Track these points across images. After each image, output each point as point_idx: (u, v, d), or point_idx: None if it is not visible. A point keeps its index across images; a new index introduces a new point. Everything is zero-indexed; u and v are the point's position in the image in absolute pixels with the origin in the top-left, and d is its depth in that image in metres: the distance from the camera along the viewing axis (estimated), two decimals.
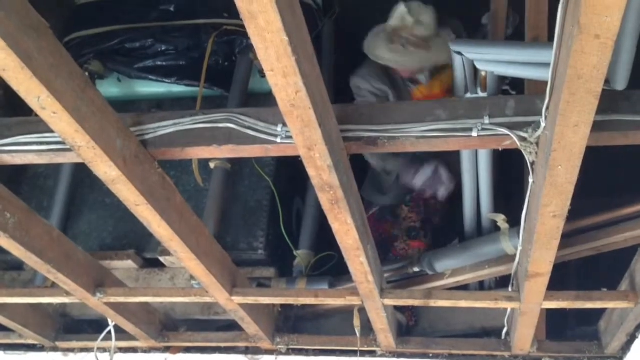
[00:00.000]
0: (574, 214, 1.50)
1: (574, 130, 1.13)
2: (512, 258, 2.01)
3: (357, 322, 2.38)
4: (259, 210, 2.76)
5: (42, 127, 1.52)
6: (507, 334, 2.38)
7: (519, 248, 1.79)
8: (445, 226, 2.74)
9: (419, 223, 2.69)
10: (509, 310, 2.26)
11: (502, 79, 1.66)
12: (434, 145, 1.46)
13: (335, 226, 1.62)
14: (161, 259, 2.65)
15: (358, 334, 2.39)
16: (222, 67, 2.90)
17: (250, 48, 2.76)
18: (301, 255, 2.62)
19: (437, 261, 2.31)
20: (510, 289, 2.03)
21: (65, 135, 1.31)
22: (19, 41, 1.09)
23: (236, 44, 2.91)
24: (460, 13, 2.57)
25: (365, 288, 1.98)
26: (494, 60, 1.39)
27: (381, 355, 2.55)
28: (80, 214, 2.85)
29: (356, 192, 1.62)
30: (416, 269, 2.40)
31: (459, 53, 1.44)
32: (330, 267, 2.55)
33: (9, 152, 1.57)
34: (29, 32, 1.12)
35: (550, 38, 1.20)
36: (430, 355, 2.53)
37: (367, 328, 2.42)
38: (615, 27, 0.91)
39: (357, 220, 1.63)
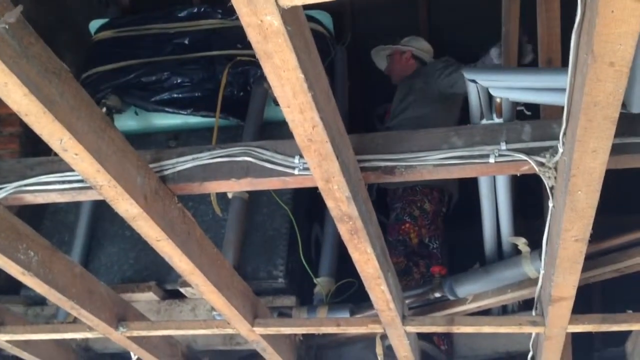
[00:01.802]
0: (596, 234, 1.49)
1: (593, 156, 1.12)
2: (534, 281, 1.99)
3: (379, 349, 2.36)
4: (278, 239, 2.76)
5: (63, 166, 1.54)
6: (533, 358, 2.34)
7: (541, 272, 1.77)
8: (463, 249, 2.75)
9: (405, 261, 2.79)
10: (533, 334, 2.23)
11: (517, 103, 1.66)
12: (451, 172, 1.47)
13: (355, 256, 1.62)
14: (182, 290, 2.66)
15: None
16: (237, 97, 2.93)
17: (264, 78, 2.78)
18: (321, 283, 2.62)
19: (459, 286, 2.29)
20: (534, 313, 2.01)
21: (87, 175, 1.33)
22: (41, 87, 1.12)
23: (250, 74, 2.94)
24: None
25: (387, 316, 1.97)
26: (508, 86, 1.40)
27: None
28: (101, 247, 2.87)
29: (375, 221, 1.63)
30: (437, 295, 2.39)
31: (473, 80, 1.45)
32: (352, 293, 2.55)
33: (32, 191, 1.59)
34: (51, 78, 1.15)
35: (564, 60, 1.20)
36: None
37: (391, 355, 2.39)
38: (630, 54, 0.92)
39: (376, 249, 1.63)
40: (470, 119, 1.62)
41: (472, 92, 1.51)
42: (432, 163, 1.42)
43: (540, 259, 1.71)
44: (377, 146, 1.49)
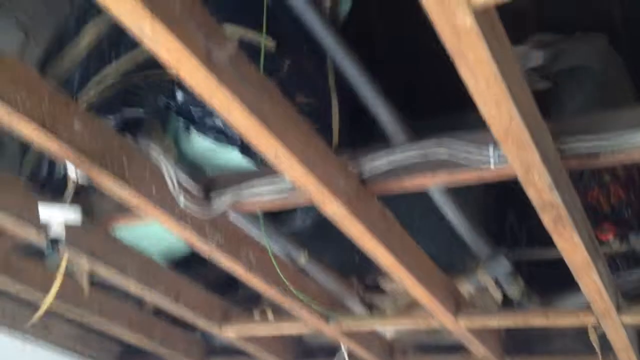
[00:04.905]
0: None
1: None
2: None
3: (593, 336, 2.23)
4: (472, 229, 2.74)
5: (273, 174, 1.70)
6: None
7: None
8: None
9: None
10: None
11: None
12: None
13: (560, 245, 1.58)
14: (382, 284, 2.76)
15: (598, 351, 2.23)
16: None
17: None
18: None
19: None
20: None
21: (297, 181, 1.46)
22: (257, 107, 1.25)
23: None
24: None
25: (600, 306, 1.88)
26: None
27: None
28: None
29: (580, 208, 1.57)
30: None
31: None
32: None
33: (248, 199, 1.76)
34: (264, 97, 1.28)
35: None
36: None
37: (605, 345, 2.26)
38: None
39: (584, 236, 1.57)
40: None
41: None
42: None
43: None
44: (577, 130, 1.43)
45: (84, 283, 2.17)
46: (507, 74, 1.08)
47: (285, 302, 2.15)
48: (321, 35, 1.66)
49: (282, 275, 2.00)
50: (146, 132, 1.64)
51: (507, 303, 2.42)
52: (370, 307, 2.47)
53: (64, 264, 1.87)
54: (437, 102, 2.23)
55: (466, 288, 2.18)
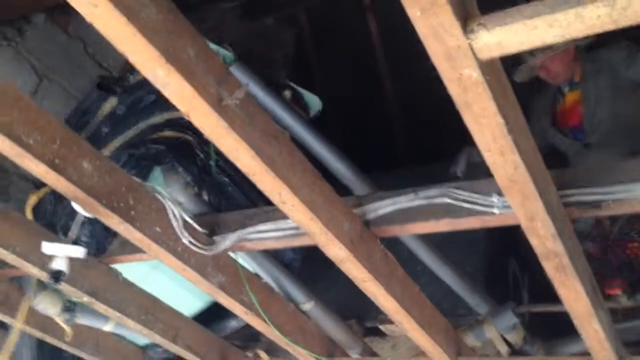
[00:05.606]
0: None
1: None
2: None
3: None
4: (476, 275, 2.74)
5: (277, 215, 1.71)
6: None
7: None
8: None
9: (630, 290, 2.38)
10: None
11: None
12: None
13: (562, 293, 1.57)
14: (382, 327, 2.73)
15: None
16: None
17: None
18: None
19: None
20: None
21: (301, 223, 1.47)
22: (264, 149, 1.27)
23: None
24: None
25: (602, 356, 1.86)
26: None
27: None
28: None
29: (582, 257, 1.57)
30: None
31: None
32: None
33: (252, 239, 1.78)
34: (271, 140, 1.30)
35: None
36: None
37: None
38: None
39: (586, 285, 1.57)
40: None
41: None
42: None
43: None
44: (580, 180, 1.45)
45: (62, 324, 2.14)
46: (512, 124, 1.10)
47: (284, 344, 2.13)
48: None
49: (277, 330, 1.99)
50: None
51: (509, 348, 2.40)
52: (370, 353, 2.45)
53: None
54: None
55: (471, 342, 2.16)
